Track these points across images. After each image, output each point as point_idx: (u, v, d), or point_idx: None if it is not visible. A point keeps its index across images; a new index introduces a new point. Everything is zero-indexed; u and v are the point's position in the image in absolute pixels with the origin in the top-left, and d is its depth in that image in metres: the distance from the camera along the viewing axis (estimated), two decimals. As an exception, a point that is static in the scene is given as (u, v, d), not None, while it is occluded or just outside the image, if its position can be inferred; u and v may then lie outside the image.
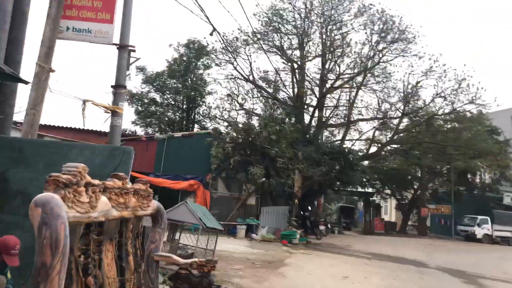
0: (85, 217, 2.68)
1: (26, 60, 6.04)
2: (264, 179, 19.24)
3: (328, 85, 25.85)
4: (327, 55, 25.15)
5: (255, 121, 23.21)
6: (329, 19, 25.06)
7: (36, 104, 5.85)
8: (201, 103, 28.90)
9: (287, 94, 26.70)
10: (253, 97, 26.04)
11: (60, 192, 2.41)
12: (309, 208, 22.55)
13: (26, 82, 5.14)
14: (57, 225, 2.15)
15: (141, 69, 27.62)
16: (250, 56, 26.20)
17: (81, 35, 6.97)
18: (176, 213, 8.39)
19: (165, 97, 28.82)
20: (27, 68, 6.94)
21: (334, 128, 28.34)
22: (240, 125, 21.49)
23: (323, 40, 25.17)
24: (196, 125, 28.94)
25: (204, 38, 28.92)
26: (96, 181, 2.92)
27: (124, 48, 7.41)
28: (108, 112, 6.97)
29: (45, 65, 5.94)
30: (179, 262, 3.99)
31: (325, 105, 26.73)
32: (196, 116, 29.36)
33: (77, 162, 5.49)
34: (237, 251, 12.77)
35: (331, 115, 27.58)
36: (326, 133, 27.97)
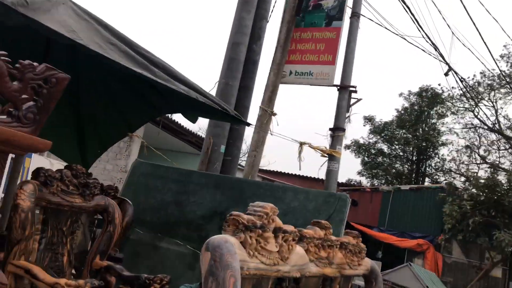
0: (272, 270, 2.16)
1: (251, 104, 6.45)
2: (515, 247, 15.81)
3: None
4: None
5: (501, 177, 19.83)
6: None
7: (257, 146, 6.08)
8: (433, 154, 26.66)
9: (546, 146, 22.16)
10: (499, 150, 22.70)
11: (240, 235, 1.96)
12: None
13: (248, 124, 5.32)
14: (224, 278, 1.68)
15: (369, 119, 27.47)
16: (496, 102, 23.04)
17: (302, 78, 7.09)
18: (398, 276, 7.28)
19: (393, 147, 27.74)
20: (250, 111, 7.41)
21: None
22: (482, 181, 18.58)
23: None
24: (426, 179, 26.66)
25: (439, 85, 26.92)
26: (290, 227, 2.39)
27: (345, 89, 7.15)
28: (324, 156, 6.72)
29: (267, 109, 6.17)
30: None
31: None
32: (427, 168, 27.10)
33: (291, 206, 5.28)
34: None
35: None
36: None
